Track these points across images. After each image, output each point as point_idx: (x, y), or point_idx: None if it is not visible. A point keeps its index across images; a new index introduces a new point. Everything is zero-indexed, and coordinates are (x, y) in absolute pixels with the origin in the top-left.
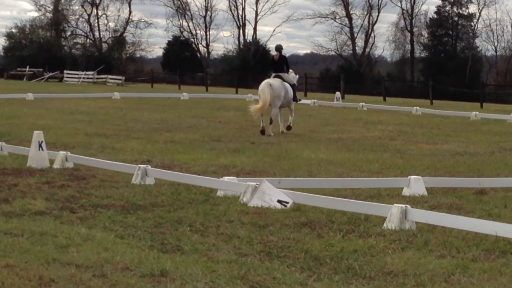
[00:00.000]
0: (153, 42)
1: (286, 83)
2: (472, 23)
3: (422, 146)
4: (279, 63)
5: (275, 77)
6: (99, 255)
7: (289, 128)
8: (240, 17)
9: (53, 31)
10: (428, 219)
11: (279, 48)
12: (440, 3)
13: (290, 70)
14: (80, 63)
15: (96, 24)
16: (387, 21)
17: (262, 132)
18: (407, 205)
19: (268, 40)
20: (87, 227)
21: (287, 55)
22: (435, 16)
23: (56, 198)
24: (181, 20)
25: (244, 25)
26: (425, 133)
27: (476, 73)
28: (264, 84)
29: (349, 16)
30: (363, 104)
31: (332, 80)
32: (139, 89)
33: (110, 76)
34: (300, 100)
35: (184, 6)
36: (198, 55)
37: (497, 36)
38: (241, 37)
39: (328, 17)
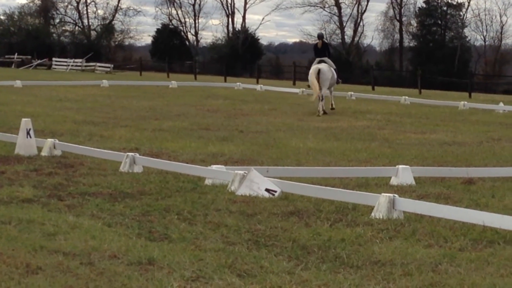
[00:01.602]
0: (142, 30)
1: (331, 67)
2: (461, 13)
3: (410, 135)
4: (322, 50)
5: (319, 62)
6: (86, 243)
7: (333, 108)
8: (229, 5)
9: (41, 18)
10: (416, 208)
11: (321, 36)
12: None
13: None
14: (69, 50)
15: (85, 12)
16: (376, 10)
17: (325, 112)
18: (395, 195)
19: (257, 28)
20: (75, 215)
21: (275, 44)
22: (424, 5)
23: (44, 185)
24: (170, 8)
25: (233, 13)
26: (413, 123)
27: (464, 63)
28: (314, 69)
29: (338, 5)
30: (352, 93)
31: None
32: (127, 77)
33: (98, 64)
34: (341, 81)
35: None
36: (187, 43)
37: (486, 26)
38: (230, 26)
39: (317, 6)
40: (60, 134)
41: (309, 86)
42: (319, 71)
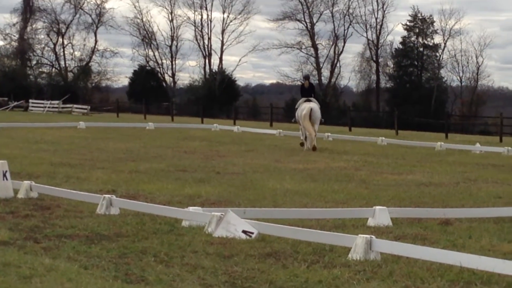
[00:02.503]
0: (119, 72)
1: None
2: (438, 54)
3: (387, 176)
4: (308, 90)
5: (306, 101)
6: (63, 285)
7: (314, 148)
8: (206, 46)
9: (18, 60)
10: (393, 249)
11: (308, 77)
12: (405, 33)
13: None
14: (46, 92)
15: (61, 53)
16: (353, 51)
17: (302, 144)
18: (372, 236)
19: (234, 69)
20: (51, 258)
21: (252, 85)
22: (400, 46)
23: (20, 228)
24: (147, 50)
25: (210, 54)
26: (390, 164)
27: (441, 103)
28: (306, 109)
29: (314, 46)
30: (329, 134)
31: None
32: (104, 118)
33: (75, 106)
34: (323, 120)
35: (150, 35)
36: (164, 84)
37: (462, 67)
38: (207, 67)
39: (294, 47)
40: (36, 176)
41: (295, 121)
42: (311, 111)
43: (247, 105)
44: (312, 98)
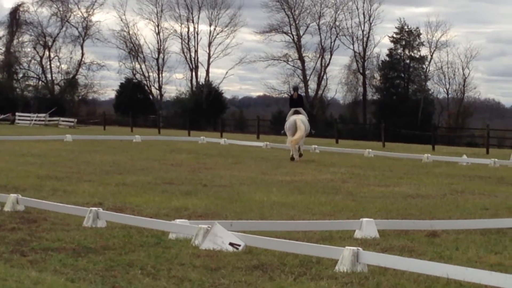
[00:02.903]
0: (106, 84)
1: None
2: (424, 66)
3: (374, 188)
4: (297, 101)
5: (295, 112)
6: None
7: (301, 155)
8: (192, 59)
9: (4, 73)
10: (380, 261)
11: (296, 88)
12: (392, 46)
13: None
14: (32, 105)
15: (48, 66)
16: (340, 63)
17: (292, 159)
18: (359, 248)
19: (221, 82)
20: (38, 271)
21: (239, 98)
22: (387, 58)
23: (7, 241)
24: (133, 63)
25: (196, 67)
26: (377, 176)
27: (428, 115)
28: (294, 120)
29: (301, 58)
30: (316, 146)
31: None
32: (91, 131)
33: (62, 119)
34: (313, 132)
35: (136, 48)
36: (151, 97)
37: (449, 79)
38: (194, 80)
39: (280, 60)
40: (23, 189)
41: (284, 133)
42: (297, 123)
43: (234, 117)
44: (300, 109)
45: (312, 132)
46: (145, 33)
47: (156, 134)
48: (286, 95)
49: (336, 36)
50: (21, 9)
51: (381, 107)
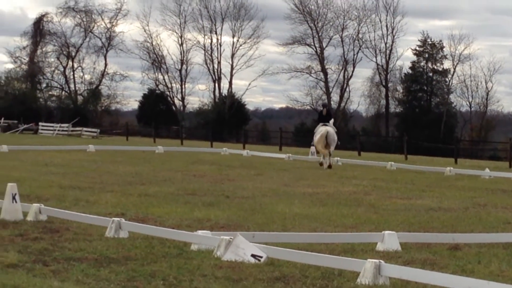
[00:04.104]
0: (129, 95)
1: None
2: (447, 79)
3: (397, 201)
4: (326, 116)
5: (322, 125)
6: None
7: (330, 166)
8: (215, 70)
9: (28, 83)
10: (402, 274)
11: (326, 105)
12: (415, 58)
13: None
14: (55, 115)
15: (71, 77)
16: (362, 76)
17: (321, 164)
18: (381, 260)
19: (244, 93)
20: (60, 280)
21: (262, 109)
22: (410, 71)
23: (29, 250)
24: (156, 73)
25: (219, 78)
26: (399, 188)
27: (450, 128)
28: (323, 131)
29: (324, 70)
30: (338, 158)
31: (307, 135)
32: (114, 142)
33: (85, 129)
34: (339, 143)
35: (159, 59)
36: (174, 108)
37: (472, 92)
38: (217, 91)
39: (303, 72)
40: (46, 199)
41: (313, 145)
42: (327, 133)
43: (257, 129)
44: (328, 123)
45: (338, 143)
46: (168, 44)
47: (179, 145)
48: (308, 107)
49: (359, 49)
50: (45, 19)
51: (404, 120)
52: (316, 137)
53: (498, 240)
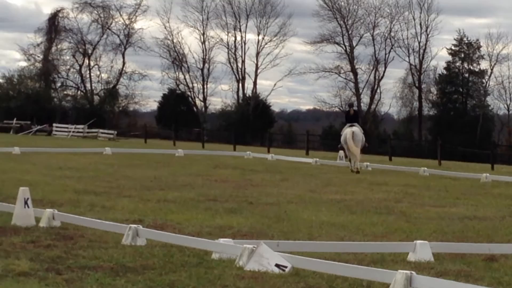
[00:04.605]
0: (148, 95)
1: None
2: (484, 80)
3: (429, 209)
4: (353, 117)
5: (349, 126)
6: None
7: (358, 171)
8: (239, 70)
9: (42, 82)
10: (434, 286)
11: (352, 105)
12: (450, 58)
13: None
14: (70, 116)
15: (87, 75)
16: (394, 76)
17: (352, 171)
18: (412, 272)
19: (269, 94)
20: None
21: (288, 111)
22: (444, 72)
23: (42, 258)
24: (177, 73)
25: (243, 78)
26: (432, 196)
27: (487, 132)
28: (349, 132)
29: (354, 71)
30: (368, 164)
31: (336, 138)
32: (131, 144)
33: (101, 130)
34: (367, 145)
35: (180, 58)
36: (195, 109)
37: (510, 94)
38: (240, 91)
39: (332, 72)
40: (59, 204)
41: (341, 147)
42: (353, 133)
43: (282, 132)
44: (356, 124)
45: (366, 145)
46: (190, 42)
47: (200, 148)
48: (337, 109)
49: (391, 48)
50: (60, 15)
51: (438, 123)
52: (344, 137)
53: None
